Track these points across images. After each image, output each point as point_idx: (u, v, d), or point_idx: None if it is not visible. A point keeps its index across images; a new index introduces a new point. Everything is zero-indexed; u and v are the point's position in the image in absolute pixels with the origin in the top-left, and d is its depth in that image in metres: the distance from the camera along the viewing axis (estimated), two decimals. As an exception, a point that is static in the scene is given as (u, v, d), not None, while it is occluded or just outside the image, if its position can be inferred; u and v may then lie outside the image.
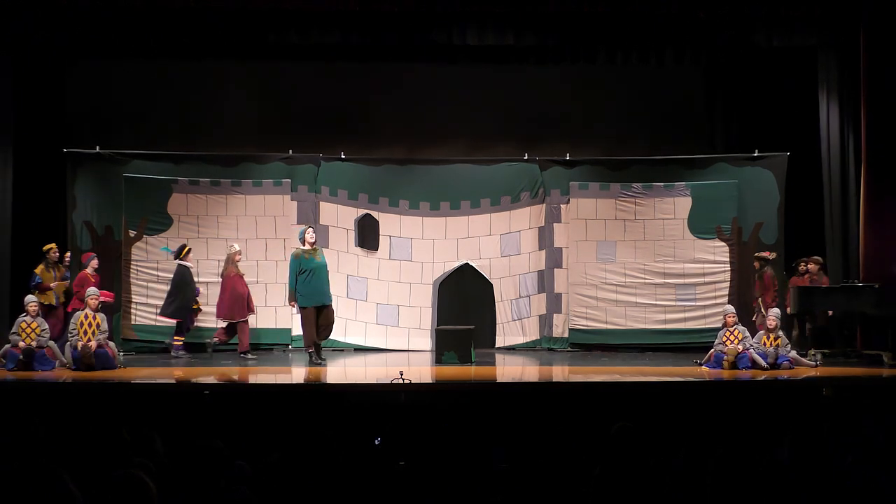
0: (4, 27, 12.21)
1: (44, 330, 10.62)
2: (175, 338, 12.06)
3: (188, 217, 12.98)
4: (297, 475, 4.13)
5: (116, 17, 12.13)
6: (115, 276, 12.72)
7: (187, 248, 12.31)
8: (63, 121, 13.76)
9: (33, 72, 13.34)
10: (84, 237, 12.89)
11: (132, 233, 12.77)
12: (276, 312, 13.02)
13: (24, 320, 10.59)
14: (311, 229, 11.54)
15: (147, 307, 12.67)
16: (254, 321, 12.65)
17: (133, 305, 12.73)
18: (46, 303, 11.86)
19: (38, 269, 11.93)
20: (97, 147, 12.98)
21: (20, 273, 12.54)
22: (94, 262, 11.93)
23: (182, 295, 12.02)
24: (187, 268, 12.20)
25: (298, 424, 6.70)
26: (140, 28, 12.29)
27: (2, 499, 3.37)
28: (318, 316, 11.25)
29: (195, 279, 12.35)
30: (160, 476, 3.85)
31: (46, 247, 12.18)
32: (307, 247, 11.35)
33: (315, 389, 9.76)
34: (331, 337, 11.75)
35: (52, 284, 11.99)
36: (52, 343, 10.70)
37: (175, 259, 12.31)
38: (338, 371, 11.12)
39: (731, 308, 11.39)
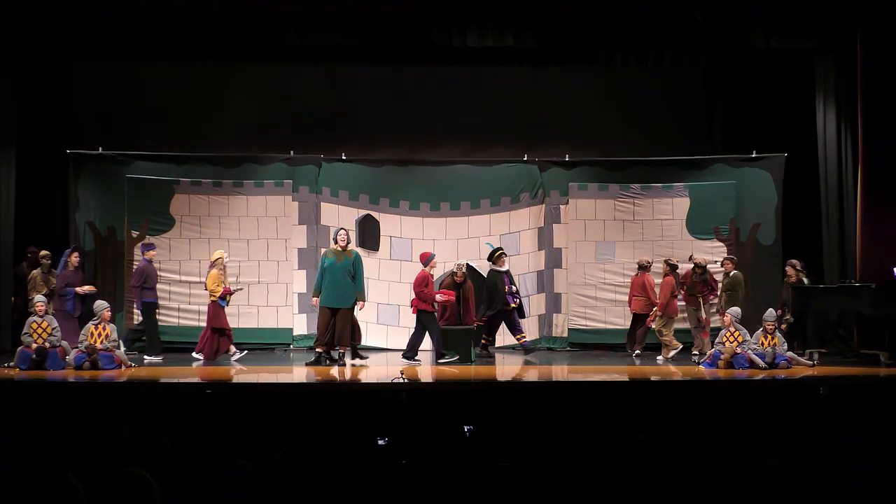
0: (6, 28, 12.26)
1: (54, 329, 10.62)
2: (486, 337, 12.31)
3: (190, 218, 13.06)
4: (299, 474, 4.18)
5: (118, 19, 12.18)
6: (117, 277, 12.80)
7: (500, 252, 12.33)
8: (66, 122, 13.83)
9: (36, 73, 13.41)
10: (87, 238, 12.98)
11: (135, 233, 12.85)
12: (277, 312, 13.11)
13: (35, 320, 10.57)
14: (342, 231, 11.48)
15: (149, 307, 12.73)
16: (255, 321, 12.73)
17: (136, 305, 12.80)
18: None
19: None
20: (100, 148, 13.06)
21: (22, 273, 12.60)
22: (434, 262, 11.86)
23: (498, 297, 12.12)
24: (498, 272, 12.23)
25: (299, 424, 6.77)
26: (142, 30, 12.35)
27: (8, 497, 3.43)
28: (333, 318, 11.22)
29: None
30: (163, 475, 3.90)
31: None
32: (335, 246, 11.35)
33: (316, 389, 9.83)
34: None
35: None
36: (64, 343, 10.75)
37: (488, 260, 12.42)
38: (339, 370, 11.18)
39: (735, 309, 11.44)
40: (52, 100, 13.73)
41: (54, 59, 13.50)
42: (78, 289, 11.78)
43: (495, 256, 12.37)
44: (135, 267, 12.22)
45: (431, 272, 11.78)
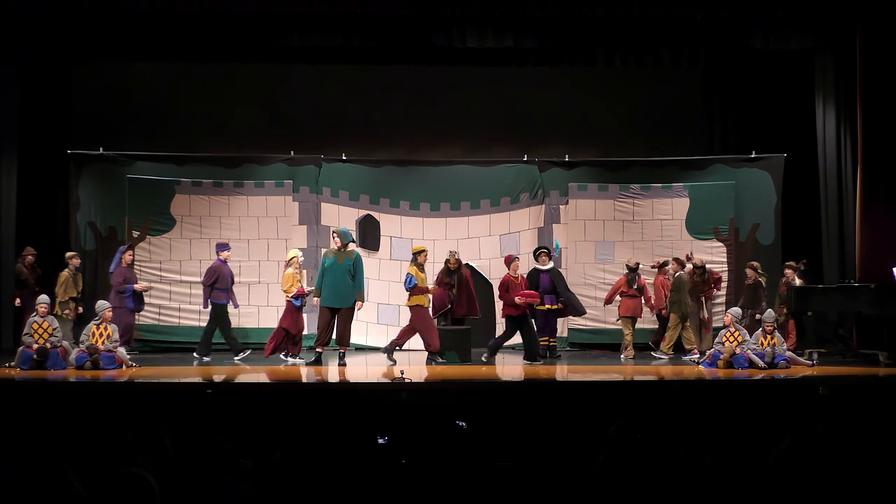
0: (10, 30, 12.28)
1: (55, 329, 10.62)
2: (548, 339, 12.19)
3: (191, 218, 13.08)
4: (299, 474, 4.20)
5: (120, 21, 12.19)
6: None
7: (539, 251, 12.25)
8: (67, 122, 13.87)
9: (38, 74, 13.44)
10: (88, 238, 13.02)
11: (136, 233, 12.88)
12: (277, 312, 13.06)
13: (35, 321, 10.56)
14: (334, 235, 11.48)
15: (150, 307, 12.75)
16: (255, 321, 12.75)
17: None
18: (421, 304, 11.55)
19: (412, 271, 11.50)
20: (101, 148, 13.08)
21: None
22: (515, 265, 11.89)
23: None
24: (538, 270, 12.12)
25: (300, 423, 6.79)
26: (144, 31, 12.36)
27: (9, 497, 3.46)
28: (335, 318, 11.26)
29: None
30: (164, 475, 3.92)
31: (417, 247, 11.90)
32: (333, 246, 11.40)
33: (317, 389, 9.85)
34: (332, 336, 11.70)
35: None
36: (65, 343, 10.77)
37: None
38: (339, 370, 11.20)
39: (735, 310, 11.46)
40: (54, 100, 13.78)
41: (56, 60, 13.53)
42: (136, 286, 11.95)
43: (536, 254, 12.30)
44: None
45: (515, 275, 11.81)
